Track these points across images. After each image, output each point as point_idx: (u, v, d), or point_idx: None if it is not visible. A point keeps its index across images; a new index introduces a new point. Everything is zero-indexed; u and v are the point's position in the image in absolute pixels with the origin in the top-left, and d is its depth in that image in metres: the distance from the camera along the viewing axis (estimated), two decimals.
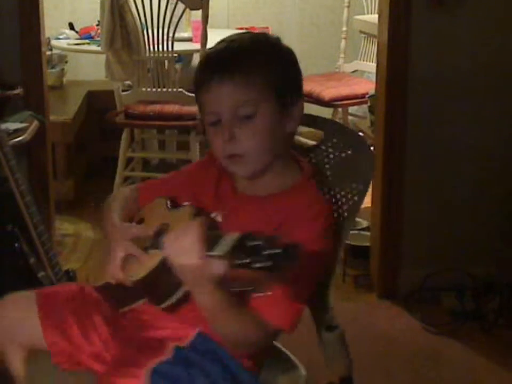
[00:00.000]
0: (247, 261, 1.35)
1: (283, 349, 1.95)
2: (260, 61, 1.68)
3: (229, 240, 1.40)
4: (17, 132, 2.90)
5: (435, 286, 3.40)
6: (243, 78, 1.65)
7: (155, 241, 1.69)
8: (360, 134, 4.88)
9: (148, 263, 1.67)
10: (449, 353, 3.09)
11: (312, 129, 1.94)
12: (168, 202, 1.81)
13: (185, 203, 1.78)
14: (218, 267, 1.44)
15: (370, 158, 1.92)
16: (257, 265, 1.34)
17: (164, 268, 1.57)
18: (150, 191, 1.91)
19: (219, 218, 1.74)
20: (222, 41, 1.73)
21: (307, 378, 1.87)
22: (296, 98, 1.72)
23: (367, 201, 3.78)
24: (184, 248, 1.47)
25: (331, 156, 1.91)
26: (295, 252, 1.34)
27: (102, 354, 1.75)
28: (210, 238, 1.45)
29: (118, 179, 4.42)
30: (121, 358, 1.72)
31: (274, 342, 1.85)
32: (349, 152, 1.89)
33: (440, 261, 3.45)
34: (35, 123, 3.05)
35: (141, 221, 1.84)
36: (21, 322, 1.83)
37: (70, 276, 2.59)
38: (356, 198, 1.85)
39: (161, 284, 1.65)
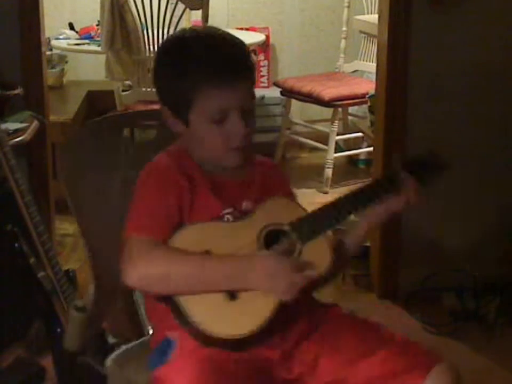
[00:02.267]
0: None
1: None
2: (251, 59, 1.82)
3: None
4: (17, 132, 2.90)
5: (435, 286, 3.40)
6: (251, 76, 1.79)
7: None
8: (360, 133, 4.90)
9: (320, 252, 1.72)
10: (449, 353, 3.09)
11: None
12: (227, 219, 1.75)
13: (228, 211, 1.76)
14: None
15: None
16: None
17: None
18: (162, 230, 1.70)
19: (249, 206, 1.79)
20: (198, 38, 1.77)
21: None
22: None
23: None
24: None
25: None
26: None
27: None
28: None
29: None
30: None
31: None
32: None
33: (440, 261, 3.46)
34: (35, 123, 3.05)
35: (207, 253, 1.69)
36: None
37: (70, 276, 2.58)
38: None
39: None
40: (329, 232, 1.76)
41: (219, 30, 1.81)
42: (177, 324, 1.67)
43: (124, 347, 2.01)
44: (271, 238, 1.71)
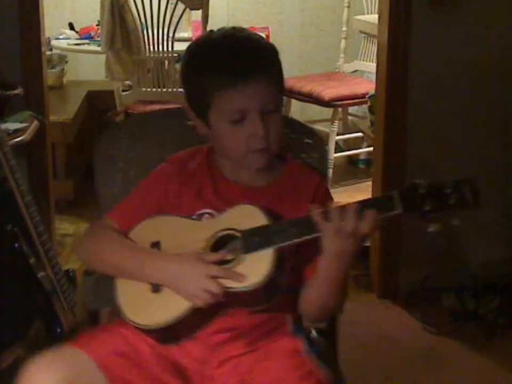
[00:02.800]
0: (432, 206, 1.70)
1: None
2: (276, 60, 1.81)
3: (395, 196, 1.67)
4: (17, 132, 2.90)
5: (435, 286, 3.40)
6: (270, 76, 1.76)
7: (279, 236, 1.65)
8: (360, 133, 4.90)
9: (256, 267, 1.64)
10: (449, 353, 3.10)
11: None
12: (191, 217, 1.77)
13: (205, 211, 1.77)
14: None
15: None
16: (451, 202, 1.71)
17: (277, 265, 1.63)
18: (126, 217, 1.82)
19: None
20: (221, 40, 1.78)
21: None
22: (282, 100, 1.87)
23: None
24: (348, 227, 1.59)
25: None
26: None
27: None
28: (376, 202, 1.65)
29: None
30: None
31: None
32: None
33: (440, 261, 3.46)
34: (35, 123, 3.04)
35: (155, 244, 1.76)
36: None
37: (70, 276, 2.58)
38: None
39: (271, 284, 1.64)
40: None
41: (245, 30, 1.82)
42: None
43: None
44: (223, 242, 1.71)
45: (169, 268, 1.69)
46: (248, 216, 1.70)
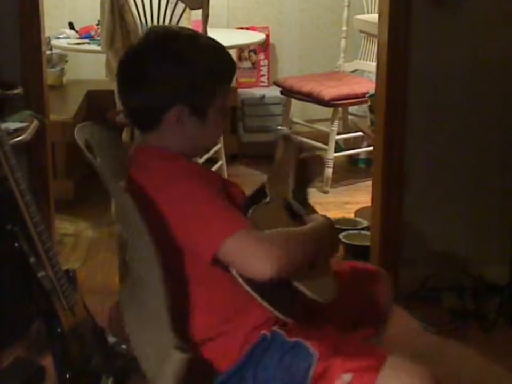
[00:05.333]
0: None
1: None
2: None
3: None
4: (17, 132, 2.90)
5: (435, 286, 3.40)
6: None
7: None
8: (360, 133, 4.90)
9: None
10: (449, 353, 3.09)
11: None
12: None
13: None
14: None
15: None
16: None
17: None
18: (242, 216, 1.80)
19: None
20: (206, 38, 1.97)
21: None
22: None
23: (367, 201, 3.79)
24: None
25: None
26: None
27: None
28: None
29: None
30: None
31: None
32: None
33: (440, 261, 3.46)
34: (35, 123, 3.04)
35: None
36: None
37: (70, 276, 2.58)
38: None
39: None
40: None
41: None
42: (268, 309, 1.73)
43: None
44: (288, 209, 1.94)
45: (324, 235, 1.85)
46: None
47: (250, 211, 1.80)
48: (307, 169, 2.04)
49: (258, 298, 1.70)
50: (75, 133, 1.92)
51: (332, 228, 1.90)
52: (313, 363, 1.74)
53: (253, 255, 1.65)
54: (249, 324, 1.82)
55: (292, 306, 1.78)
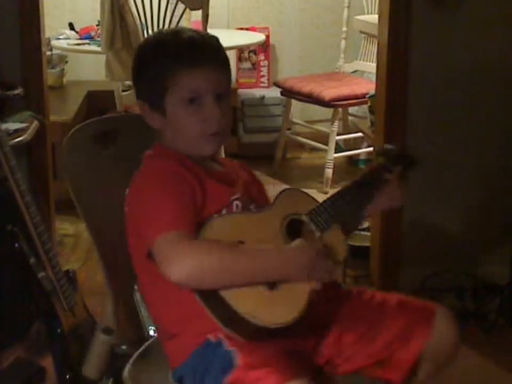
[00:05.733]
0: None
1: None
2: (223, 50, 1.91)
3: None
4: (17, 132, 2.90)
5: (435, 286, 3.40)
6: (225, 62, 1.87)
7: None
8: (360, 133, 4.90)
9: (337, 240, 1.81)
10: None
11: None
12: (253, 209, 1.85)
13: (235, 196, 1.84)
14: None
15: None
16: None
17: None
18: (191, 222, 1.72)
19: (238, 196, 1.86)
20: (173, 32, 1.93)
21: None
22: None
23: None
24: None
25: None
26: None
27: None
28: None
29: None
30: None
31: None
32: None
33: (440, 261, 3.46)
34: (35, 123, 3.05)
35: (241, 244, 1.73)
36: None
37: (70, 276, 2.58)
38: None
39: None
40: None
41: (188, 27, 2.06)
42: (216, 322, 1.67)
43: (136, 354, 1.98)
44: (291, 229, 1.78)
45: (294, 258, 1.72)
46: (298, 199, 1.86)
47: (215, 216, 1.74)
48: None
49: (201, 303, 1.68)
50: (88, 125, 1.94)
51: (315, 256, 1.71)
52: (229, 372, 1.71)
53: (168, 258, 1.63)
54: (200, 326, 1.76)
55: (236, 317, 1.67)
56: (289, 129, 5.27)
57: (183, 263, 1.61)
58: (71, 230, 4.14)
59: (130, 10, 4.27)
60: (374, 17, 4.45)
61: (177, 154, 1.85)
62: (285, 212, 1.80)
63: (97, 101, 5.11)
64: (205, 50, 1.83)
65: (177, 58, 1.81)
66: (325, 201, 1.85)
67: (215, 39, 1.90)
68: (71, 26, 5.17)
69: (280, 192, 1.84)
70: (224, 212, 1.79)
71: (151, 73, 1.85)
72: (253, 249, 1.71)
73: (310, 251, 1.73)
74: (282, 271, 1.69)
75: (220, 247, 1.66)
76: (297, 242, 1.74)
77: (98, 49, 4.49)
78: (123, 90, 4.56)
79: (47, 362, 2.59)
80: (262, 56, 5.64)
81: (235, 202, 1.82)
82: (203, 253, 1.64)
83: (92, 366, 2.16)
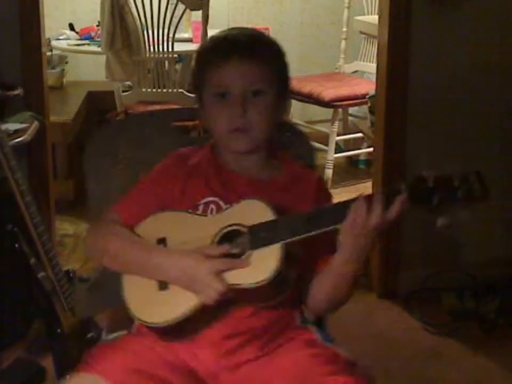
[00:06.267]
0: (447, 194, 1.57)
1: None
2: (274, 50, 1.88)
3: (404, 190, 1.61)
4: (17, 133, 2.90)
5: (435, 286, 3.40)
6: (261, 59, 1.82)
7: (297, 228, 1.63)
8: (360, 134, 4.90)
9: (264, 263, 1.62)
10: (449, 353, 3.10)
11: None
12: (194, 211, 1.77)
13: (209, 199, 1.78)
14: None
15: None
16: (460, 194, 1.57)
17: (285, 261, 1.62)
18: (131, 213, 1.82)
19: None
20: (226, 30, 1.89)
21: None
22: (288, 92, 1.91)
23: None
24: (370, 222, 1.61)
25: None
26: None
27: None
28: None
29: None
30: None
31: None
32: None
33: (440, 261, 3.46)
34: (35, 124, 3.05)
35: (162, 241, 1.75)
36: None
37: (70, 276, 2.59)
38: None
39: (280, 280, 1.63)
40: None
41: (257, 30, 1.96)
42: None
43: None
44: (229, 238, 1.70)
45: (174, 264, 1.69)
46: (255, 211, 1.68)
47: (162, 211, 1.78)
48: None
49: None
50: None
51: (203, 268, 1.65)
52: None
53: (89, 230, 1.88)
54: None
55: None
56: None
57: (88, 239, 1.87)
58: (71, 230, 4.14)
59: (130, 11, 4.27)
60: (374, 18, 4.45)
61: (208, 150, 1.88)
62: (230, 221, 1.70)
63: (97, 101, 5.11)
64: (237, 46, 1.81)
65: (211, 54, 1.84)
66: (278, 219, 1.66)
67: (256, 36, 1.88)
68: (71, 27, 5.17)
69: (241, 201, 1.73)
70: (198, 210, 1.79)
71: (194, 70, 1.90)
72: (147, 244, 1.74)
73: (196, 260, 1.66)
74: (163, 273, 1.70)
75: (120, 234, 1.77)
76: (195, 248, 1.69)
77: (98, 49, 4.50)
78: (123, 91, 4.56)
79: (47, 362, 2.60)
80: None
81: (211, 206, 1.79)
82: (102, 235, 1.80)
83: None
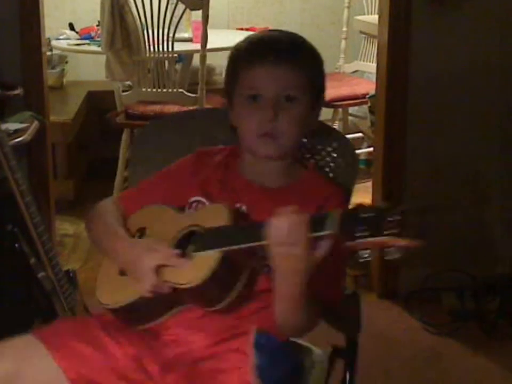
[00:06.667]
0: (367, 232, 1.44)
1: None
2: (312, 56, 1.88)
3: (335, 216, 1.45)
4: (17, 132, 2.90)
5: (435, 286, 3.40)
6: (297, 64, 1.78)
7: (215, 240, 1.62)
8: (360, 133, 4.90)
9: (199, 267, 1.61)
10: (449, 353, 3.10)
11: None
12: (174, 207, 1.79)
13: (196, 198, 1.79)
14: (325, 247, 1.50)
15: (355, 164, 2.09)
16: (386, 232, 1.47)
17: (222, 268, 1.58)
18: (133, 201, 1.88)
19: (244, 209, 1.77)
20: (262, 31, 1.90)
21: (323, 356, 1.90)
22: (322, 101, 1.90)
23: (367, 202, 3.79)
24: (290, 239, 1.48)
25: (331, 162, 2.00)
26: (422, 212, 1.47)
27: (130, 375, 1.69)
28: (313, 219, 1.49)
29: (118, 179, 4.42)
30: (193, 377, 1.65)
31: None
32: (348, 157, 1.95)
33: (440, 261, 3.45)
34: (35, 123, 3.05)
35: (142, 230, 1.81)
36: (31, 371, 1.67)
37: (70, 276, 2.58)
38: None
39: (216, 287, 1.61)
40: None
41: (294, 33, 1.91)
42: None
43: None
44: (188, 237, 1.72)
45: (126, 252, 1.73)
46: (215, 215, 1.69)
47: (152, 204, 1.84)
48: None
49: None
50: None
51: (144, 263, 1.67)
52: None
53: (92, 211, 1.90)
54: None
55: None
56: None
57: (88, 215, 1.90)
58: (71, 230, 4.14)
59: (130, 10, 4.27)
60: (374, 18, 4.44)
61: (229, 151, 1.87)
62: (195, 221, 1.72)
63: (97, 101, 5.11)
64: (274, 48, 1.77)
65: (244, 55, 1.80)
66: (223, 226, 1.64)
67: (296, 40, 1.85)
68: (71, 27, 5.17)
69: (211, 204, 1.76)
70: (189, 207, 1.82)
71: (227, 68, 1.86)
72: (119, 231, 1.79)
73: (142, 253, 1.69)
74: (117, 258, 1.77)
75: (102, 219, 1.83)
76: (146, 240, 1.76)
77: (98, 49, 4.49)
78: (123, 91, 4.56)
79: None
80: None
81: (194, 204, 1.80)
82: (90, 217, 1.87)
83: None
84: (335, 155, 2.01)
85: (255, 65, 1.75)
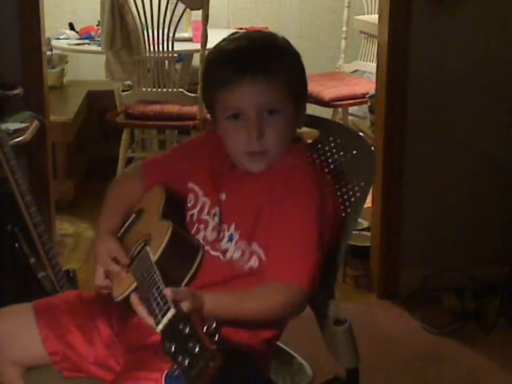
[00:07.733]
0: (172, 349, 1.30)
1: (287, 349, 1.96)
2: (286, 63, 1.74)
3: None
4: (17, 132, 2.90)
5: (435, 286, 3.40)
6: (275, 75, 1.70)
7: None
8: (361, 134, 4.90)
9: (126, 281, 1.66)
10: (449, 353, 3.10)
11: (308, 129, 1.96)
12: (161, 206, 1.81)
13: (191, 185, 1.82)
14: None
15: (372, 158, 1.96)
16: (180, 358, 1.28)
17: (143, 287, 1.56)
18: (155, 169, 1.93)
19: (223, 198, 1.77)
20: (234, 39, 1.77)
21: (312, 378, 1.88)
22: (305, 99, 1.81)
23: (367, 201, 3.79)
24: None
25: (335, 156, 1.93)
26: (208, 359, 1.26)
27: (107, 361, 1.75)
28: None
29: None
30: (132, 362, 1.68)
31: (279, 343, 1.87)
32: (354, 152, 1.91)
33: (440, 261, 3.46)
34: (35, 123, 3.05)
35: (140, 211, 1.85)
36: (19, 336, 1.79)
37: (70, 276, 2.59)
38: (358, 195, 1.87)
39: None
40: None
41: (264, 32, 1.90)
42: None
43: None
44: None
45: (96, 243, 1.81)
46: (154, 196, 1.84)
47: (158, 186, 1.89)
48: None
49: None
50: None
51: (96, 253, 1.77)
52: None
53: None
54: None
55: None
56: None
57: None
58: (71, 230, 4.14)
59: (130, 10, 4.27)
60: (374, 17, 4.44)
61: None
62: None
63: (97, 101, 5.11)
64: (249, 62, 1.69)
65: (219, 74, 1.72)
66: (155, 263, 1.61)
67: (269, 47, 1.75)
68: (71, 26, 5.17)
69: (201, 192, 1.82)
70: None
71: (204, 81, 1.84)
72: (113, 213, 1.87)
73: (98, 244, 1.79)
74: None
75: (110, 197, 1.92)
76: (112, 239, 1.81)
77: (98, 49, 4.49)
78: (123, 90, 4.56)
79: None
80: None
81: (190, 195, 1.86)
82: (109, 189, 1.94)
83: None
84: (334, 150, 1.95)
85: (233, 85, 1.69)
